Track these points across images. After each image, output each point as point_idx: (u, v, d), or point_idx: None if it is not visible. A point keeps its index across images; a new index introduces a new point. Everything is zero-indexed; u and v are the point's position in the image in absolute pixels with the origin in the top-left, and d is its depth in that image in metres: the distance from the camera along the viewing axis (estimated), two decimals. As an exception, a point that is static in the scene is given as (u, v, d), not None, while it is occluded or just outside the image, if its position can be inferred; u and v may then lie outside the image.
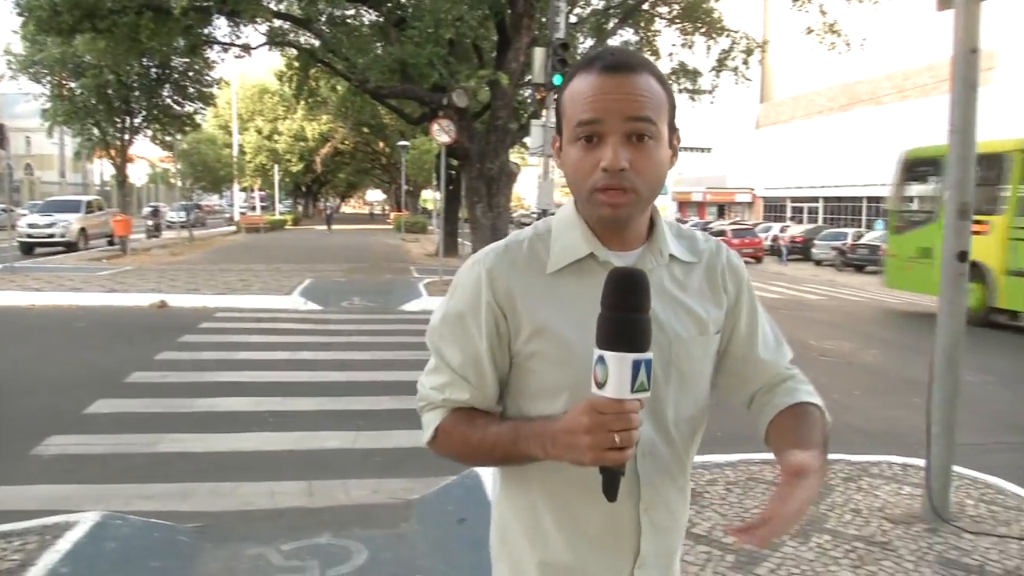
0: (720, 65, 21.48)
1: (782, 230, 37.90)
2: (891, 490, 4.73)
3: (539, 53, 14.20)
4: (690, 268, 1.32)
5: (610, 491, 1.09)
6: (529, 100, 16.87)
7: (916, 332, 12.07)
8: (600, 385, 1.04)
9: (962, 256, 4.05)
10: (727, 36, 21.04)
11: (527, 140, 16.36)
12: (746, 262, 1.78)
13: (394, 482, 5.06)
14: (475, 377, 1.27)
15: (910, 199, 15.29)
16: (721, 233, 32.71)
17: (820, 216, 48.33)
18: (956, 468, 5.11)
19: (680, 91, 21.28)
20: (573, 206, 1.29)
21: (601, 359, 1.04)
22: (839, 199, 47.01)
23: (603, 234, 1.25)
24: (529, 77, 14.99)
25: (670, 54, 21.74)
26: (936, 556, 3.83)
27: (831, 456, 5.36)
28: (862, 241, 29.16)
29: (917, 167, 14.27)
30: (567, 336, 1.21)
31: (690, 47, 21.53)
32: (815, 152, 47.37)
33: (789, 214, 51.26)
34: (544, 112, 15.05)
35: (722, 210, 60.43)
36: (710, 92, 22.19)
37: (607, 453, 1.05)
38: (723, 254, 1.37)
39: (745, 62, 21.56)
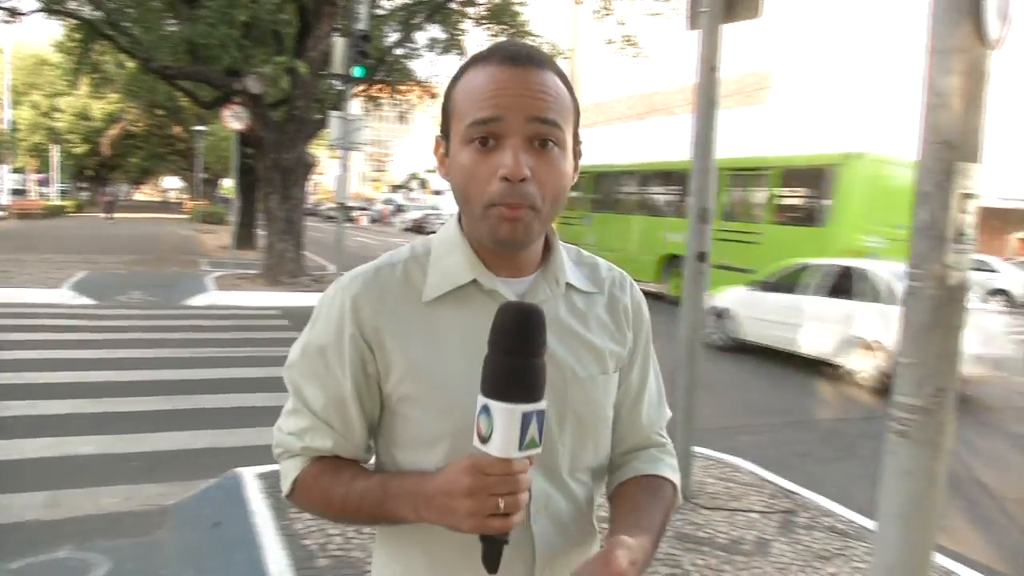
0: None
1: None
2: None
3: (340, 43, 13.94)
4: (591, 298, 1.17)
5: (491, 562, 0.94)
6: (334, 91, 16.53)
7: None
8: (484, 439, 0.89)
9: (701, 256, 4.40)
10: (532, 40, 21.63)
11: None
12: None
13: (150, 488, 4.78)
14: (339, 422, 1.10)
15: None
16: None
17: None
18: (702, 450, 5.57)
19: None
20: (456, 224, 1.12)
21: (486, 408, 0.89)
22: (635, 201, 49.66)
23: (490, 258, 1.08)
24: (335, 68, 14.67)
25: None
26: (674, 532, 4.14)
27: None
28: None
29: None
30: (444, 378, 1.05)
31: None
32: (616, 158, 49.74)
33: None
34: (344, 104, 14.82)
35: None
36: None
37: (489, 520, 0.90)
38: (628, 288, 1.22)
39: (549, 66, 22.23)
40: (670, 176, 17.13)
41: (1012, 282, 20.94)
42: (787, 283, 10.44)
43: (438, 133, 1.10)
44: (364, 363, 1.08)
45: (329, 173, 60.74)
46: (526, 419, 0.88)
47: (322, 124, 15.42)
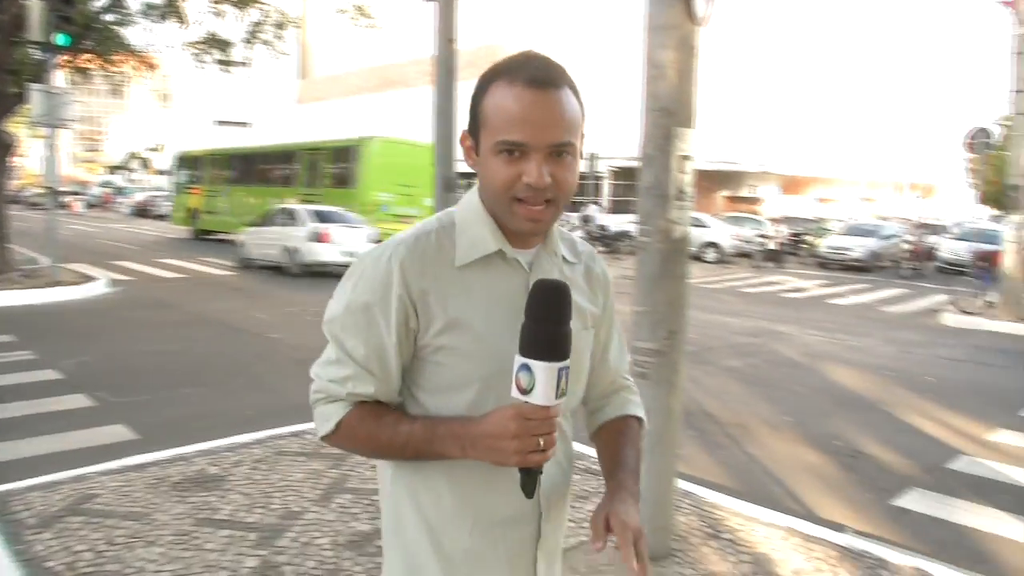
0: (252, 37, 20.96)
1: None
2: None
3: (37, 6, 12.38)
4: (573, 267, 1.38)
5: (529, 489, 1.16)
6: (32, 60, 14.66)
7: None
8: (525, 391, 1.10)
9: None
10: (258, 8, 20.58)
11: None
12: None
13: None
14: (380, 370, 1.25)
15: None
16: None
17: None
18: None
19: (211, 62, 20.32)
20: (478, 200, 1.29)
21: (526, 367, 1.10)
22: (377, 174, 49.46)
23: (508, 232, 1.27)
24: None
25: (198, 21, 20.63)
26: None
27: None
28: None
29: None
30: (479, 329, 1.24)
31: (220, 16, 20.63)
32: (352, 130, 49.07)
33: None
34: (47, 76, 13.24)
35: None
36: (243, 64, 21.57)
37: (531, 456, 1.13)
38: (596, 259, 1.45)
39: (278, 36, 21.35)
40: (278, 155, 23.67)
41: (721, 236, 23.49)
42: (268, 220, 17.03)
43: (466, 128, 1.27)
44: (407, 319, 1.23)
45: (33, 154, 54.21)
46: (560, 374, 1.10)
47: (20, 99, 13.68)
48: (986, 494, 4.85)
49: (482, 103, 1.23)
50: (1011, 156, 13.09)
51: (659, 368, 3.36)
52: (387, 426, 1.25)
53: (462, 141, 1.30)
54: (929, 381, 8.25)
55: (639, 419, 1.51)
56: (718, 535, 3.87)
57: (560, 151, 1.19)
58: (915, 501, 4.71)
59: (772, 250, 22.48)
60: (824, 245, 23.30)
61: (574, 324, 1.24)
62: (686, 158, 3.32)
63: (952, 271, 20.08)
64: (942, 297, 14.15)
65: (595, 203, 28.78)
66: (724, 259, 23.15)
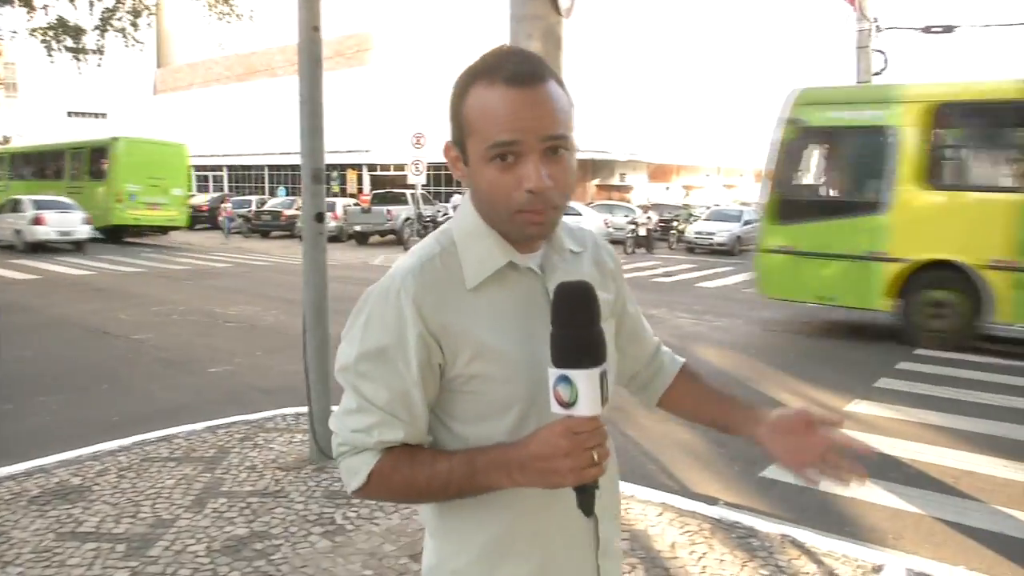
0: (105, 24, 19.80)
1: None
2: (284, 440, 5.02)
3: None
4: (579, 256, 1.31)
5: (588, 506, 1.08)
6: None
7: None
8: (567, 404, 1.03)
9: (319, 217, 4.42)
10: (111, -8, 19.42)
11: None
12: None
13: None
14: (406, 413, 1.16)
15: None
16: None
17: (225, 184, 48.61)
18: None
19: (62, 50, 19.09)
20: (474, 212, 1.21)
21: (564, 379, 1.02)
22: (243, 167, 47.88)
23: (512, 240, 1.19)
24: None
25: (45, 7, 19.30)
26: (323, 491, 4.19)
27: (232, 419, 5.45)
28: (265, 208, 30.18)
29: None
30: (508, 351, 1.16)
31: (71, 1, 19.36)
32: (216, 120, 47.28)
33: (195, 183, 50.42)
34: None
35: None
36: (97, 52, 20.36)
37: (587, 471, 1.05)
38: (601, 242, 1.40)
39: (134, 24, 20.25)
40: (49, 155, 27.03)
41: (593, 223, 23.99)
42: (4, 208, 21.50)
43: (449, 139, 1.19)
44: (430, 356, 1.15)
45: None
46: (602, 379, 1.04)
47: None
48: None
49: (463, 109, 1.15)
50: (856, 143, 13.96)
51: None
52: (423, 467, 1.15)
53: (446, 153, 1.21)
54: (790, 357, 8.76)
55: (688, 363, 1.55)
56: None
57: (556, 146, 1.12)
58: (782, 472, 4.97)
59: (643, 236, 23.21)
60: (691, 231, 24.25)
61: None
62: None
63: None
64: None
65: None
66: None
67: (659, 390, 1.52)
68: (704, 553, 3.63)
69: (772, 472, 4.91)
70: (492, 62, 1.14)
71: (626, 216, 25.40)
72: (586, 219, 24.06)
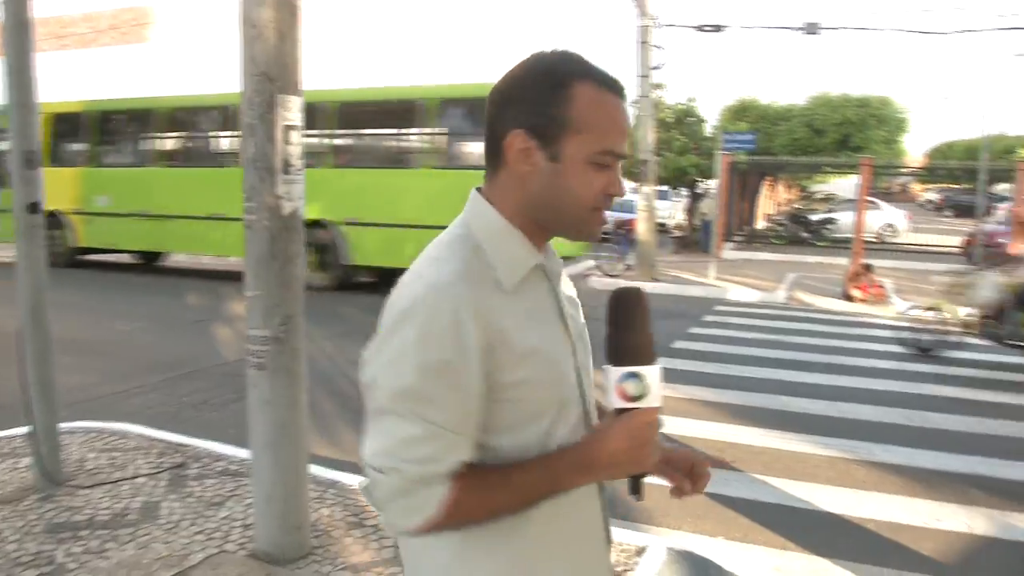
0: None
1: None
2: (6, 468, 4.35)
3: None
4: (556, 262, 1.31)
5: (638, 490, 1.18)
6: None
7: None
8: (633, 399, 1.10)
9: (33, 207, 3.83)
10: None
11: None
12: None
13: None
14: (470, 429, 1.10)
15: None
16: None
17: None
18: (81, 423, 5.04)
19: None
20: (496, 213, 1.18)
21: (634, 375, 1.10)
22: None
23: (536, 241, 1.20)
24: None
25: None
26: (45, 524, 3.64)
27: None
28: None
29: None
30: (547, 353, 1.15)
31: None
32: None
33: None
34: None
35: None
36: None
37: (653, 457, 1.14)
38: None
39: None
40: None
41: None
42: None
43: (527, 128, 1.13)
44: (492, 366, 1.09)
45: None
46: (660, 372, 1.12)
47: None
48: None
49: (568, 105, 1.12)
50: (639, 134, 14.58)
51: (277, 357, 3.11)
52: (499, 487, 1.12)
53: (516, 144, 1.14)
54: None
55: None
56: (362, 523, 3.73)
57: None
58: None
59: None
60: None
61: (577, 317, 1.29)
62: (292, 127, 3.08)
63: (601, 238, 22.15)
64: (590, 262, 15.46)
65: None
66: None
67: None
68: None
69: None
70: (583, 62, 1.15)
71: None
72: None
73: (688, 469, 1.34)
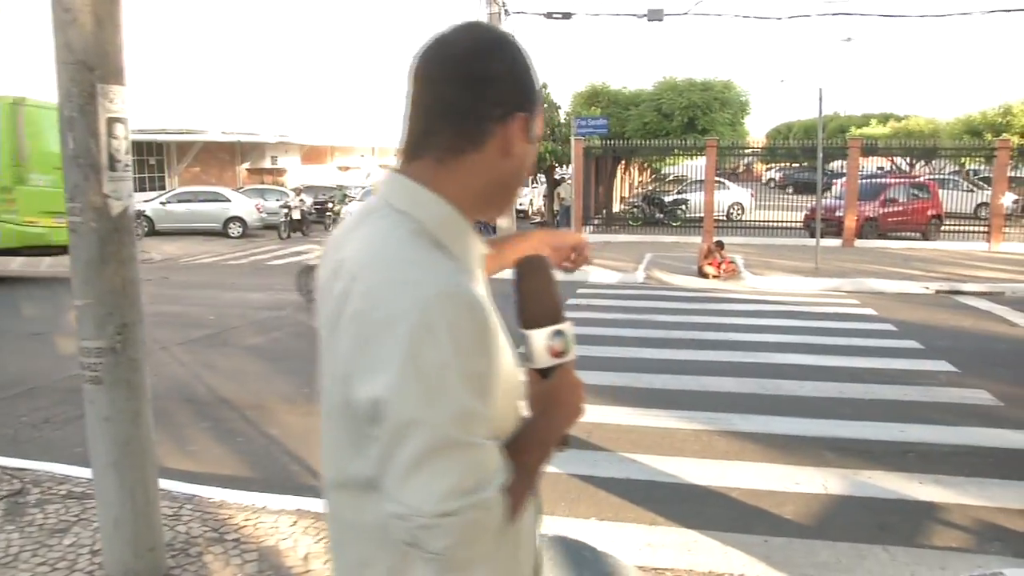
0: None
1: None
2: None
3: None
4: None
5: (567, 441, 1.18)
6: None
7: None
8: (561, 354, 1.12)
9: None
10: None
11: None
12: None
13: None
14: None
15: None
16: None
17: None
18: None
19: None
20: (445, 202, 1.06)
21: (559, 332, 1.12)
22: None
23: (492, 219, 1.21)
24: None
25: None
26: None
27: None
28: None
29: None
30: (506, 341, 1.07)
31: None
32: None
33: None
34: None
35: None
36: None
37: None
38: None
39: None
40: None
41: (243, 209, 22.72)
42: None
43: (522, 108, 1.08)
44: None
45: None
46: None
47: None
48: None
49: (530, 82, 1.09)
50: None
51: (113, 369, 2.86)
52: (519, 474, 1.03)
53: (519, 127, 1.07)
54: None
55: None
56: (223, 538, 3.52)
57: None
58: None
59: (297, 220, 22.41)
60: (346, 212, 23.94)
61: None
62: (117, 120, 2.83)
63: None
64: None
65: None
66: (249, 233, 22.55)
67: None
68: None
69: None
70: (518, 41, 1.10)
71: (279, 200, 24.39)
72: (236, 205, 22.76)
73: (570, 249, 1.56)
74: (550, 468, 4.55)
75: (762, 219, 21.37)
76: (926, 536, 3.82)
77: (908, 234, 19.11)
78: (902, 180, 22.56)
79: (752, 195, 25.73)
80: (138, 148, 28.92)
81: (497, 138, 1.06)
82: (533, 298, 1.14)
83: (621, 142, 21.15)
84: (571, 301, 10.59)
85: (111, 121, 2.81)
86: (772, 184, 40.77)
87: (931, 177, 24.04)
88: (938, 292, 11.77)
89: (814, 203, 16.20)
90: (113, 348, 2.84)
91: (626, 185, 35.53)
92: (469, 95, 1.04)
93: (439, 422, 0.91)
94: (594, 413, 5.57)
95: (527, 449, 1.07)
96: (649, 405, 5.79)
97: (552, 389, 1.12)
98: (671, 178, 30.52)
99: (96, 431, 2.93)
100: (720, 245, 13.25)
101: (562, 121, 20.01)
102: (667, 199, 22.84)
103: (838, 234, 18.16)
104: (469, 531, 0.95)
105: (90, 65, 2.77)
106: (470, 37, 1.06)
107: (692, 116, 21.07)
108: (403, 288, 0.94)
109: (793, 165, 39.21)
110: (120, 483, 2.97)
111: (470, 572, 1.03)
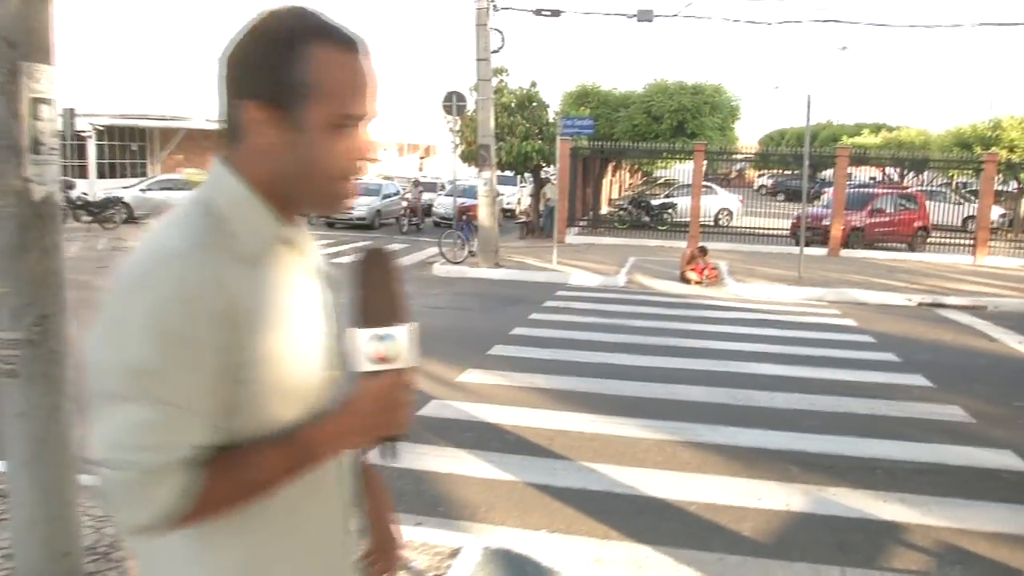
0: None
1: None
2: None
3: None
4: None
5: (393, 452, 1.13)
6: None
7: None
8: (390, 359, 1.05)
9: None
10: None
11: None
12: None
13: None
14: (207, 408, 0.99)
15: None
16: None
17: None
18: None
19: None
20: (236, 181, 1.08)
21: (387, 336, 1.05)
22: None
23: (285, 214, 1.11)
24: None
25: None
26: None
27: None
28: None
29: None
30: (296, 330, 1.07)
31: None
32: None
33: None
34: None
35: None
36: None
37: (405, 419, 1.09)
38: None
39: None
40: None
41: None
42: None
43: (259, 98, 1.04)
44: (224, 339, 0.99)
45: None
46: (414, 332, 1.08)
47: None
48: (450, 435, 5.09)
49: (300, 69, 1.03)
50: (480, 118, 14.48)
51: (31, 362, 2.70)
52: (245, 469, 1.01)
53: (252, 116, 1.04)
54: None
55: None
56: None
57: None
58: (375, 457, 4.73)
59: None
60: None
61: (331, 293, 1.19)
62: (42, 101, 2.68)
63: (445, 225, 21.94)
64: (434, 250, 15.24)
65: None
66: (134, 219, 22.09)
67: None
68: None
69: (375, 457, 4.66)
70: (317, 19, 1.05)
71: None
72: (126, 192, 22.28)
73: (381, 547, 1.44)
74: (506, 475, 4.42)
75: (750, 226, 21.30)
76: (886, 558, 3.71)
77: (894, 245, 19.07)
78: (890, 190, 22.55)
79: (741, 201, 25.64)
80: (120, 133, 28.60)
81: (251, 128, 1.06)
82: (361, 294, 1.08)
83: (609, 143, 21.02)
84: (548, 303, 10.47)
85: (36, 102, 2.66)
86: (763, 191, 40.80)
87: (920, 188, 24.05)
88: (920, 304, 11.71)
89: (799, 211, 16.12)
90: (31, 340, 2.68)
91: (616, 187, 35.44)
92: (224, 83, 1.09)
93: (113, 372, 0.95)
94: (557, 419, 5.44)
95: (280, 445, 1.04)
96: (615, 413, 5.66)
97: (353, 396, 1.07)
98: (661, 181, 30.43)
99: (11, 427, 2.78)
100: (703, 251, 13.15)
101: (550, 120, 19.85)
102: (655, 202, 22.74)
103: (824, 243, 18.11)
104: (128, 490, 0.96)
105: (12, 41, 2.62)
106: (249, 23, 1.08)
107: (681, 119, 20.96)
108: (144, 249, 1.02)
109: (784, 172, 39.18)
110: (35, 482, 2.82)
111: (210, 560, 1.05)
